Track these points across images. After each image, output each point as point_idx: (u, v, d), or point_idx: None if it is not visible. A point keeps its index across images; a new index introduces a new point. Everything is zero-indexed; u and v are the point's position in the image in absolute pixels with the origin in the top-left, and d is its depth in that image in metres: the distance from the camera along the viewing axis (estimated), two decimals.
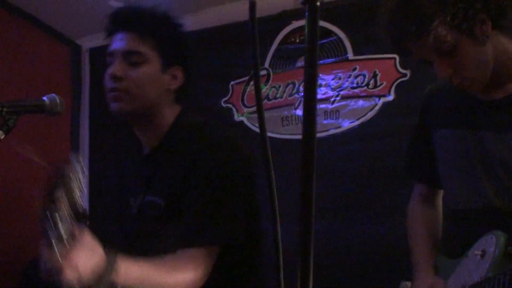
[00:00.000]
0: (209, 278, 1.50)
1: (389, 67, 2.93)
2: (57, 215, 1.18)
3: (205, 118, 1.73)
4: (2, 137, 1.32)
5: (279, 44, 3.23)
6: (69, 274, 1.23)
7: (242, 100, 3.32)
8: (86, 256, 1.27)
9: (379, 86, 2.96)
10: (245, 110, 3.28)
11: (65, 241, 1.18)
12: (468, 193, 1.59)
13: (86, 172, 3.80)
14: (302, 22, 3.08)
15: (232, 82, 3.35)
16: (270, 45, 3.25)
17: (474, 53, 1.43)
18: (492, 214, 1.53)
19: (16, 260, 3.16)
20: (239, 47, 3.23)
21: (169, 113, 1.67)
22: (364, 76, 3.00)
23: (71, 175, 1.24)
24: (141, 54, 1.60)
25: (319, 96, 3.12)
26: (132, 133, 1.76)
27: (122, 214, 1.86)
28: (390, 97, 2.93)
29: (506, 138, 1.50)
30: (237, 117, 3.32)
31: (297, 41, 3.18)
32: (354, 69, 3.03)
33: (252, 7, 0.68)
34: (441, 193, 1.84)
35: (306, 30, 0.68)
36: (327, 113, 3.09)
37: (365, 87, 3.00)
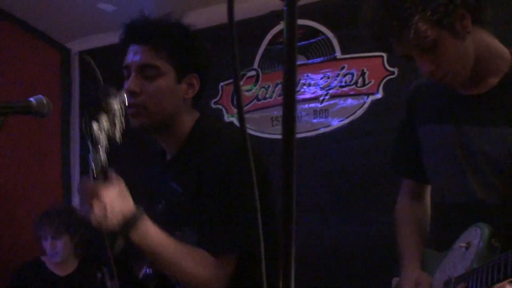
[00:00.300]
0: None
1: (377, 65, 2.96)
2: (99, 134, 1.18)
3: (222, 122, 1.74)
4: None
5: (268, 44, 3.25)
6: (97, 211, 1.25)
7: (232, 100, 3.34)
8: (116, 200, 1.30)
9: (367, 84, 2.98)
10: (235, 110, 3.30)
11: (101, 168, 1.19)
12: (453, 187, 1.61)
13: (77, 175, 3.81)
14: None
15: (221, 83, 3.37)
16: (259, 45, 3.27)
17: (454, 48, 1.45)
18: (476, 207, 1.55)
19: (8, 262, 3.16)
20: (228, 49, 3.24)
21: (188, 120, 1.67)
22: (353, 74, 3.02)
23: (118, 107, 1.24)
24: (156, 67, 1.60)
25: (308, 96, 3.14)
26: (154, 140, 1.77)
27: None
28: (379, 95, 2.96)
29: (488, 132, 1.52)
30: (227, 118, 3.34)
31: None
32: (343, 68, 3.05)
33: (230, 9, 0.69)
34: (428, 188, 1.85)
35: (284, 26, 0.69)
36: (316, 112, 3.11)
37: (354, 86, 3.02)
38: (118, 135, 1.30)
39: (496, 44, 1.55)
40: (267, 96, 3.24)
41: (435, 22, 1.40)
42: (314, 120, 3.10)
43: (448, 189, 1.64)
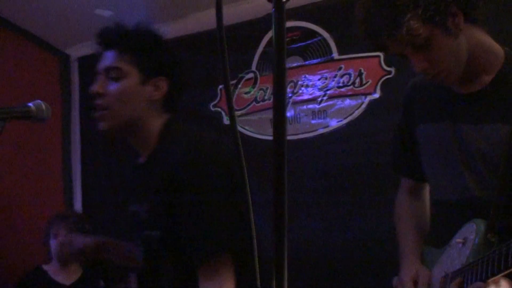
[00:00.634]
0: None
1: (373, 65, 2.97)
2: None
3: (192, 124, 1.76)
4: None
5: (266, 46, 3.26)
6: None
7: None
8: None
9: (364, 84, 3.00)
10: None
11: None
12: (450, 184, 1.63)
13: (79, 180, 3.82)
14: (288, 24, 3.12)
15: (220, 86, 3.39)
16: (257, 47, 3.28)
17: (447, 46, 1.46)
18: (473, 204, 1.56)
19: (9, 268, 3.16)
20: (227, 51, 3.25)
21: (156, 123, 1.71)
22: (350, 75, 3.04)
23: None
24: (119, 69, 1.67)
25: (306, 97, 3.16)
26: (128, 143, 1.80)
27: (122, 219, 1.89)
28: (376, 95, 2.97)
29: (483, 130, 1.53)
30: (227, 121, 3.35)
31: None
32: (340, 69, 3.07)
33: (219, 14, 0.71)
34: (427, 186, 1.87)
35: (273, 26, 0.71)
36: (314, 113, 3.12)
37: (351, 86, 3.04)
38: None
39: (489, 41, 1.56)
40: (266, 98, 3.25)
41: (427, 19, 1.41)
42: (313, 121, 3.12)
43: (445, 186, 1.65)
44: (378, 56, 2.95)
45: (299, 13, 3.10)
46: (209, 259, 1.53)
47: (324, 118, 3.10)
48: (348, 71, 3.04)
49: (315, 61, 3.13)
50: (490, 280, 1.35)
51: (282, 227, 0.76)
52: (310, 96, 3.14)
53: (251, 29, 3.23)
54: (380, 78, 2.96)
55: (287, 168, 0.76)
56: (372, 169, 2.89)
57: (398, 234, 1.83)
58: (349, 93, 3.04)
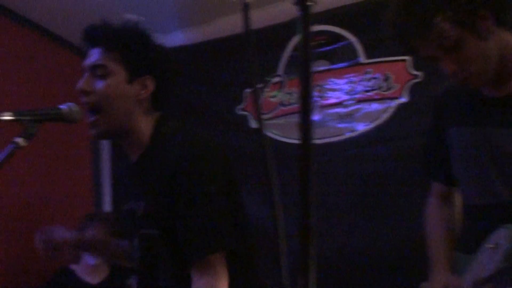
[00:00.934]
0: None
1: (400, 69, 2.95)
2: None
3: (182, 122, 1.75)
4: (24, 144, 1.37)
5: (293, 50, 3.27)
6: None
7: None
8: None
9: (391, 88, 2.98)
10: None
11: None
12: (480, 189, 1.61)
13: (108, 182, 3.84)
14: (315, 28, 3.12)
15: (246, 90, 3.40)
16: (283, 52, 3.29)
17: (477, 48, 1.45)
18: (503, 209, 1.54)
19: (39, 270, 3.20)
20: (254, 55, 3.26)
21: (146, 123, 1.70)
22: (377, 79, 3.03)
23: None
24: (104, 67, 1.66)
25: (333, 101, 3.15)
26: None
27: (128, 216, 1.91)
28: (403, 99, 2.95)
29: None
30: (253, 124, 3.36)
31: None
32: (367, 73, 3.06)
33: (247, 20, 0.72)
34: (457, 191, 1.85)
35: (299, 29, 0.71)
36: (341, 117, 3.11)
37: (378, 90, 3.02)
38: None
39: None
40: (292, 102, 3.26)
41: (457, 22, 1.41)
42: (339, 125, 3.11)
43: (475, 191, 1.64)
44: (404, 60, 2.93)
45: (325, 17, 3.10)
46: (202, 257, 1.53)
47: (350, 122, 3.09)
48: (375, 75, 3.03)
49: (341, 65, 3.13)
50: None
51: (308, 229, 0.77)
52: (337, 100, 3.13)
53: (278, 33, 3.24)
54: (407, 82, 2.94)
55: (313, 171, 0.76)
56: (399, 173, 2.87)
57: (428, 240, 1.82)
58: (376, 97, 3.02)
